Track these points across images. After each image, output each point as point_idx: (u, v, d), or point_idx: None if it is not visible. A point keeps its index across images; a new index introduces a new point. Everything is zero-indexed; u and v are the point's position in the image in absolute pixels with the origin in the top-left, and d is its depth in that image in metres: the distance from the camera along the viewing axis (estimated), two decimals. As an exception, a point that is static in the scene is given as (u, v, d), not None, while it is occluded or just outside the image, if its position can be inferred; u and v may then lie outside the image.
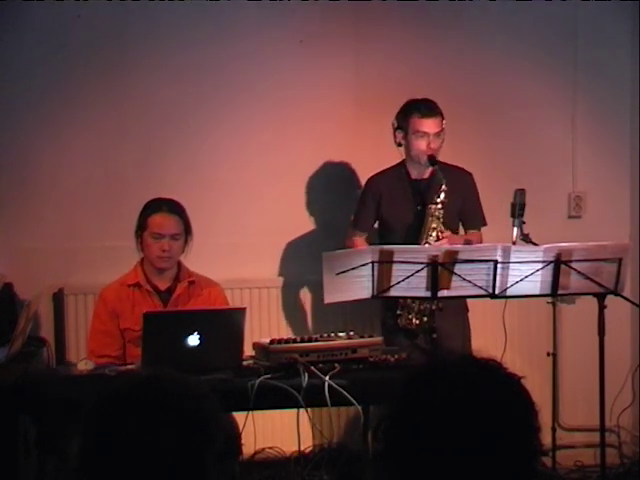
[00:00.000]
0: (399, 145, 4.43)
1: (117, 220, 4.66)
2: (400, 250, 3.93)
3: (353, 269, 3.88)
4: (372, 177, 4.56)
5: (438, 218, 4.28)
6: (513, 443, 1.54)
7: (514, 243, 4.14)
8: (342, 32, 4.99)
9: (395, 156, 4.52)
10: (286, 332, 4.82)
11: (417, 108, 4.36)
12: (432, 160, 4.31)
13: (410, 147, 4.39)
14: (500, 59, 5.14)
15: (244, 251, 4.90)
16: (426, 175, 4.45)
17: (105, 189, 4.82)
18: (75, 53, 4.74)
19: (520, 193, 4.26)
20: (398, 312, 4.33)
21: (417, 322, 4.30)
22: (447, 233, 4.30)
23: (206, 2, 4.82)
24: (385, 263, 3.88)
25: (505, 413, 1.55)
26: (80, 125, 4.78)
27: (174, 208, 4.11)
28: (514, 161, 5.17)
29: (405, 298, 4.20)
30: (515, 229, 4.22)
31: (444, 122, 4.39)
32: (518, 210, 4.23)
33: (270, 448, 4.80)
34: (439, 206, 4.27)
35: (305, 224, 4.99)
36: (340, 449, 4.84)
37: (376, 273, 3.88)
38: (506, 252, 3.91)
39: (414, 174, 4.47)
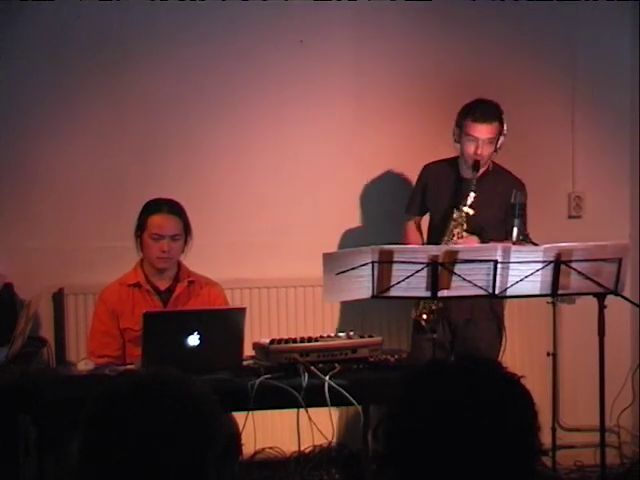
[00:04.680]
0: (456, 142, 4.41)
1: (117, 220, 4.66)
2: (400, 250, 3.93)
3: (353, 269, 3.88)
4: (426, 165, 4.57)
5: (461, 225, 4.26)
6: (513, 443, 1.54)
7: (514, 243, 4.14)
8: (342, 32, 4.98)
9: (395, 157, 4.52)
10: (286, 332, 4.81)
11: (472, 111, 4.33)
12: (475, 166, 4.29)
13: (461, 148, 4.38)
14: (500, 59, 5.14)
15: (244, 251, 4.90)
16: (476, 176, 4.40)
17: (105, 189, 4.82)
18: (75, 53, 4.74)
19: (520, 193, 4.26)
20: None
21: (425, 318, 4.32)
22: (469, 238, 4.26)
23: (206, 2, 4.82)
24: (385, 263, 3.88)
25: (505, 413, 1.55)
26: (80, 125, 4.78)
27: (174, 209, 4.10)
28: (514, 161, 5.16)
29: (406, 298, 4.19)
30: (515, 229, 4.22)
31: (504, 128, 4.35)
32: (518, 210, 4.22)
33: (270, 448, 4.80)
34: (463, 214, 4.24)
35: (305, 224, 4.99)
36: (340, 449, 4.84)
37: (376, 273, 3.88)
38: (506, 252, 3.91)
39: (464, 173, 4.45)
